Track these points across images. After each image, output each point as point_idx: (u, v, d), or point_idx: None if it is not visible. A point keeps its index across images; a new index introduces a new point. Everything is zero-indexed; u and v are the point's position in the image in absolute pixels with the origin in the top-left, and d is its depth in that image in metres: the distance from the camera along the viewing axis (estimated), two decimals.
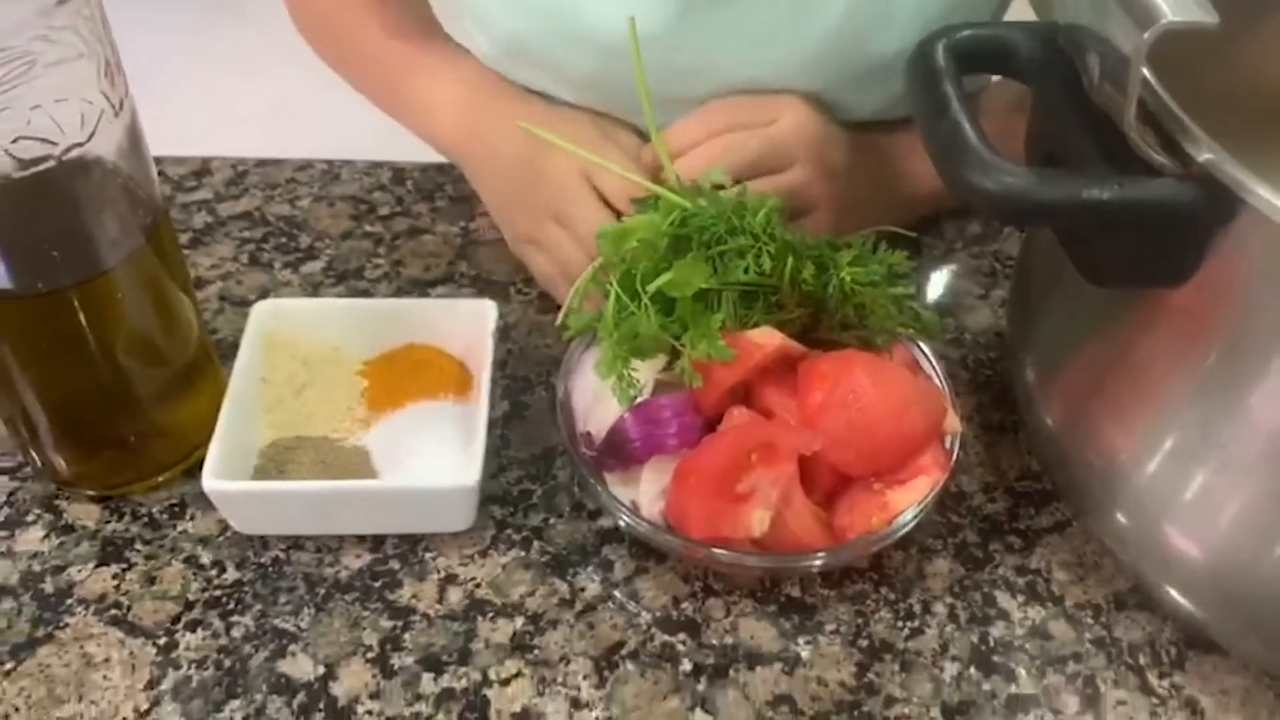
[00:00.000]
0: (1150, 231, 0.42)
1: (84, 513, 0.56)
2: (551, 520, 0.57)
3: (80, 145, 0.46)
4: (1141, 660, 0.52)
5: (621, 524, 0.54)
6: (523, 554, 0.55)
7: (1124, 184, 0.41)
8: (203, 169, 0.77)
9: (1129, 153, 0.41)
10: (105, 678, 0.50)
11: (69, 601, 0.53)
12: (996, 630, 0.53)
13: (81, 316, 0.50)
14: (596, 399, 0.54)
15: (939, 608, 0.54)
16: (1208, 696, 0.51)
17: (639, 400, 0.53)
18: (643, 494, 0.52)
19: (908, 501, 0.51)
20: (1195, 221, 0.41)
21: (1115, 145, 0.42)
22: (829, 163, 0.64)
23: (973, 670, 0.52)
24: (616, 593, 0.54)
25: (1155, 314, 0.46)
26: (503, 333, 0.62)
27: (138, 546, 0.55)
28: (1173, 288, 0.44)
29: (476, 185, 0.72)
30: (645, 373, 0.53)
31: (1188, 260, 0.42)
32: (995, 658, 0.52)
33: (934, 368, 0.57)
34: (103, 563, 0.55)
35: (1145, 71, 0.40)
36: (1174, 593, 0.49)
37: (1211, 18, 0.38)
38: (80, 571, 0.54)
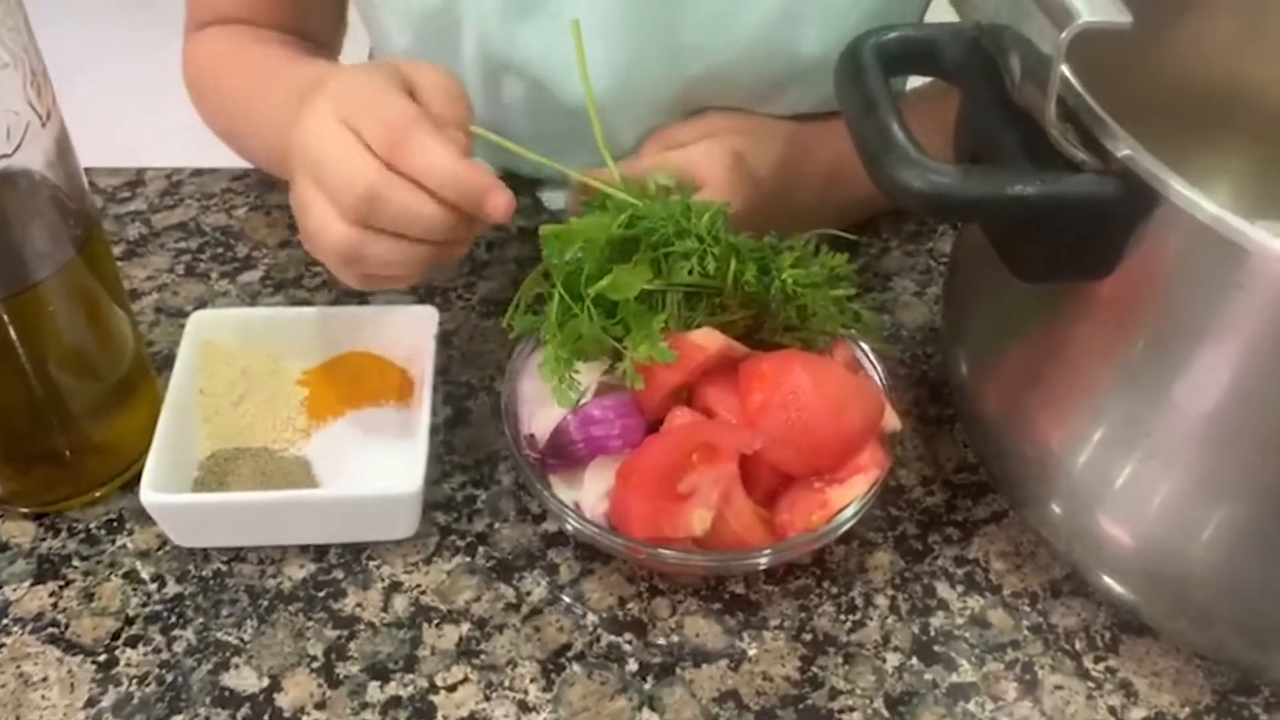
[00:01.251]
0: (1074, 226, 0.43)
1: (18, 530, 0.55)
2: (496, 525, 0.57)
3: (7, 156, 0.45)
4: (1077, 645, 0.53)
5: (566, 526, 0.55)
6: (468, 560, 0.55)
7: (1047, 180, 0.42)
8: (136, 180, 0.75)
9: (1051, 150, 0.42)
10: (44, 697, 0.50)
11: (4, 621, 0.52)
12: (937, 620, 0.54)
13: (12, 331, 0.50)
14: (540, 401, 0.54)
15: (880, 600, 0.55)
16: (1141, 678, 0.52)
17: (582, 402, 0.53)
18: (586, 495, 0.52)
19: (847, 499, 0.52)
20: (1116, 215, 0.42)
21: (1038, 143, 0.43)
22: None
23: (914, 660, 0.52)
24: (563, 595, 0.54)
25: (1083, 307, 0.47)
26: (443, 339, 0.62)
27: (75, 563, 0.54)
28: (1097, 281, 0.45)
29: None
30: (588, 375, 0.53)
31: (1110, 254, 0.43)
32: (936, 647, 0.53)
33: (875, 367, 0.58)
34: (39, 580, 0.54)
35: (1065, 70, 0.41)
36: (1107, 578, 0.50)
37: (1126, 18, 0.39)
38: (15, 590, 0.53)
